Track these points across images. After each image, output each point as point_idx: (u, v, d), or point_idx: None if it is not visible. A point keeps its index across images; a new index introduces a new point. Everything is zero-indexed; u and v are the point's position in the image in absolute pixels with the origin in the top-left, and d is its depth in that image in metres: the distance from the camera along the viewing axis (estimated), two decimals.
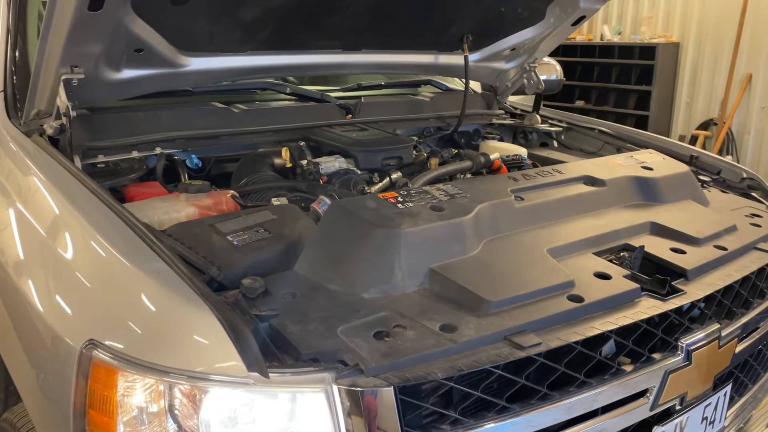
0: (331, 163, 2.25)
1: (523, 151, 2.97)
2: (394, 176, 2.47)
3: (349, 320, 1.41)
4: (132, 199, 2.02)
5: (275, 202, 1.96)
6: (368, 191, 2.14)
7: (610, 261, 1.82)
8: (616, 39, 9.20)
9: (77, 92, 2.12)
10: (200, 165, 2.35)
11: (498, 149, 3.04)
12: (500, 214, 1.83)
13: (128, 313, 1.34)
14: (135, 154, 2.27)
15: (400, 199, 1.75)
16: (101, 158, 2.21)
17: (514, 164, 2.74)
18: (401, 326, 1.41)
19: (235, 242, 1.66)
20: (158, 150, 2.31)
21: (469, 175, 2.49)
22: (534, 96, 3.48)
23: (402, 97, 3.21)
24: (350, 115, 2.88)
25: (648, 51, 8.61)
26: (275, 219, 1.78)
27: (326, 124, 2.68)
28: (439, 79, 3.48)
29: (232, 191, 2.03)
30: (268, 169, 2.32)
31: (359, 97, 3.02)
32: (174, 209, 1.86)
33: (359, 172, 2.32)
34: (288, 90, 2.78)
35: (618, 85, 8.84)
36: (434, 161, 2.40)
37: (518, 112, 3.58)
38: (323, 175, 2.21)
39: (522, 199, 1.93)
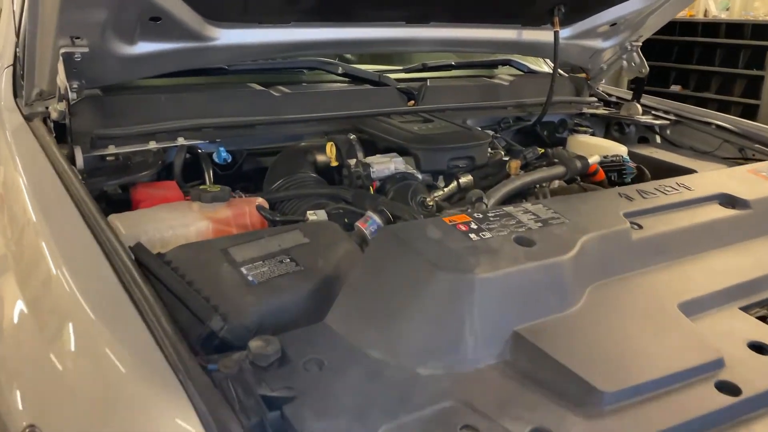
0: (385, 165, 1.79)
1: (622, 150, 2.43)
2: (463, 180, 2.00)
3: (396, 413, 0.97)
4: (137, 204, 1.63)
5: (311, 216, 1.53)
6: (430, 202, 1.67)
7: (765, 320, 1.31)
8: (723, 15, 8.12)
9: (83, 69, 1.75)
10: (230, 160, 1.94)
11: (591, 146, 2.51)
12: (612, 250, 1.34)
13: (77, 392, 0.95)
14: (153, 145, 1.88)
15: (473, 225, 1.28)
16: (111, 149, 1.83)
17: (613, 168, 2.21)
18: (472, 428, 0.95)
19: (249, 277, 1.24)
20: (181, 140, 1.92)
21: (556, 184, 1.99)
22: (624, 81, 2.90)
23: (475, 81, 2.70)
24: (413, 102, 2.41)
25: (762, 30, 7.41)
26: (307, 243, 1.35)
27: (383, 113, 2.22)
28: (520, 59, 2.95)
29: (259, 199, 1.61)
30: (309, 169, 1.89)
31: (424, 79, 2.54)
32: (181, 223, 1.45)
33: (420, 176, 1.85)
34: (340, 70, 2.33)
35: (723, 69, 7.73)
36: (515, 164, 1.91)
37: (613, 99, 3.01)
38: (374, 180, 1.76)
39: (640, 227, 1.43)
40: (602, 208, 1.45)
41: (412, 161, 1.92)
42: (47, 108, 1.85)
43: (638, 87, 2.88)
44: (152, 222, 1.44)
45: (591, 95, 3.00)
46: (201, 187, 1.53)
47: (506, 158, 2.16)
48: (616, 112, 2.91)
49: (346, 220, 1.56)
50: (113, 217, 1.46)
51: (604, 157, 2.29)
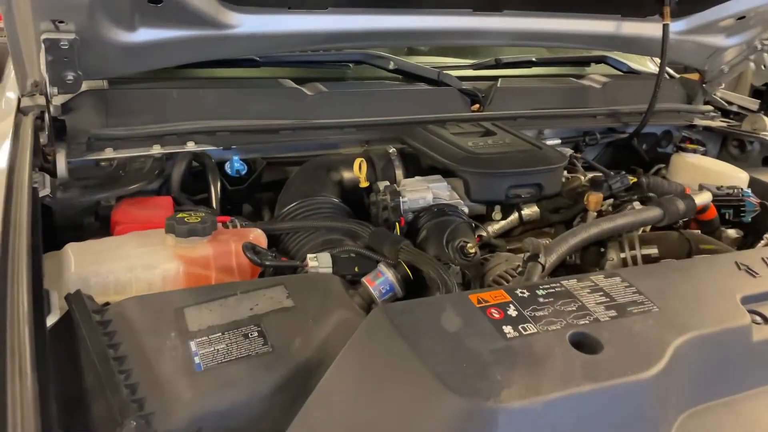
0: (421, 193, 1.41)
1: (743, 178, 1.91)
2: (526, 212, 1.59)
3: None
4: (114, 226, 1.35)
5: (311, 262, 1.18)
6: (471, 249, 1.28)
7: None
8: None
9: (76, 59, 1.48)
10: (244, 172, 1.63)
11: (701, 169, 2.00)
12: (721, 358, 0.91)
13: None
14: (157, 149, 1.60)
15: (512, 309, 0.88)
16: (108, 153, 1.56)
17: (728, 203, 1.71)
18: None
19: (197, 358, 0.91)
20: (190, 146, 1.62)
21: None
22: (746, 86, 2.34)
23: (559, 82, 2.24)
24: (477, 106, 2.00)
25: None
26: (289, 309, 1.01)
27: (437, 120, 1.83)
28: (619, 56, 2.45)
29: (254, 233, 1.29)
30: (332, 189, 1.54)
31: (495, 78, 2.12)
32: (146, 263, 1.15)
33: (465, 208, 1.45)
34: (391, 65, 1.96)
35: None
36: (595, 199, 1.47)
37: (734, 109, 2.46)
38: (404, 214, 1.38)
39: (766, 320, 0.97)
40: (710, 287, 1.01)
41: (461, 184, 1.53)
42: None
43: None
44: (110, 260, 1.15)
45: (706, 102, 2.45)
46: (179, 214, 1.22)
47: (585, 184, 1.72)
48: (738, 126, 2.35)
49: (356, 268, 1.20)
50: (69, 248, 1.19)
51: (719, 187, 1.79)
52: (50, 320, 1.00)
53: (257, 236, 1.28)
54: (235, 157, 1.63)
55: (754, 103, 2.41)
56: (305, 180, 1.54)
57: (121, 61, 1.58)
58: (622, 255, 1.41)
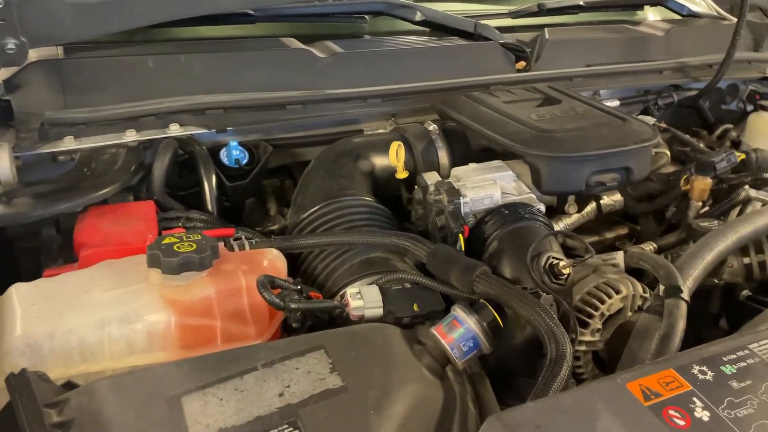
0: (486, 190, 1.06)
1: None
2: (607, 201, 1.26)
3: None
4: (78, 250, 1.00)
5: (352, 301, 0.84)
6: (565, 270, 0.95)
7: None
8: None
9: (13, 21, 1.12)
10: (245, 161, 1.27)
11: None
12: None
13: None
14: (131, 135, 1.24)
15: (698, 409, 0.56)
16: (68, 143, 1.20)
17: None
18: None
19: None
20: (174, 129, 1.27)
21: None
22: None
23: (614, 30, 1.87)
24: (523, 63, 1.64)
25: None
26: (336, 392, 0.68)
27: (479, 84, 1.47)
28: None
29: (271, 254, 0.94)
30: (362, 185, 1.19)
31: (540, 27, 1.74)
32: (123, 312, 0.81)
33: (542, 206, 1.11)
34: (418, 16, 1.58)
35: None
36: (701, 186, 1.13)
37: None
38: (466, 222, 1.03)
39: None
40: None
41: (526, 170, 1.18)
42: None
43: None
44: (72, 312, 0.81)
45: None
46: (166, 239, 0.87)
47: (677, 166, 1.38)
48: None
49: (415, 306, 0.86)
50: (14, 292, 0.84)
51: None
52: None
53: (273, 260, 0.94)
54: (233, 142, 1.27)
55: None
56: (328, 173, 1.19)
57: (77, 22, 1.21)
58: (746, 260, 1.09)
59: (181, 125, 1.28)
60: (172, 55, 1.36)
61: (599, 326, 1.00)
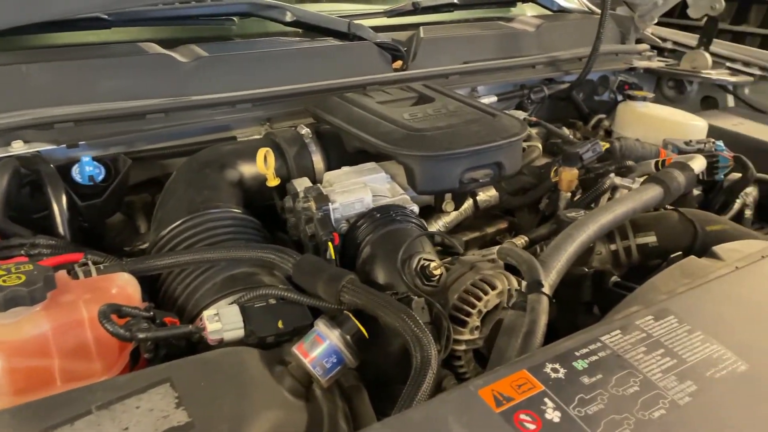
0: (356, 194, 1.02)
1: (701, 128, 1.69)
2: (483, 197, 1.26)
3: None
4: None
5: (209, 324, 0.78)
6: (436, 270, 0.93)
7: None
8: None
9: None
10: (101, 177, 1.17)
11: (656, 119, 1.75)
12: None
13: None
14: None
15: (549, 410, 0.54)
16: None
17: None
18: None
19: None
20: (18, 146, 1.15)
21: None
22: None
23: (487, 27, 1.89)
24: (399, 62, 1.63)
25: None
26: (178, 430, 0.62)
27: (354, 85, 1.44)
28: None
29: (121, 279, 0.86)
30: (230, 196, 1.12)
31: (416, 26, 1.74)
32: None
33: (416, 207, 1.09)
34: (288, 16, 1.52)
35: None
36: (569, 177, 1.15)
37: (668, 46, 2.24)
38: (335, 229, 0.99)
39: None
40: None
41: (401, 171, 1.16)
42: None
43: (708, 29, 2.10)
44: None
45: (638, 41, 2.21)
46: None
47: (547, 157, 1.41)
48: (676, 65, 2.13)
49: (280, 323, 0.81)
50: None
51: (687, 142, 1.55)
52: None
53: (124, 286, 0.86)
54: (85, 158, 1.17)
55: (690, 39, 2.20)
56: (190, 185, 1.11)
57: None
58: (613, 247, 1.11)
59: (25, 142, 1.17)
60: (13, 66, 1.23)
61: (478, 323, 0.98)
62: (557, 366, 0.60)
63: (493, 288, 0.99)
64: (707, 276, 0.80)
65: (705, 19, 2.09)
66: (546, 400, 0.56)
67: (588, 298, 1.06)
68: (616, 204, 1.00)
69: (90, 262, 0.91)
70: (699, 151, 1.49)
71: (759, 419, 0.57)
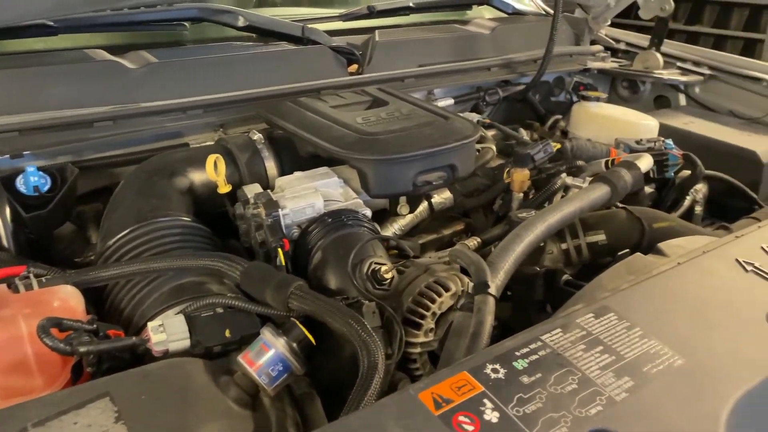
0: (306, 199, 1.02)
1: (653, 127, 1.72)
2: (438, 200, 1.26)
3: None
4: None
5: (154, 335, 0.76)
6: (387, 274, 0.93)
7: None
8: None
9: None
10: (46, 187, 1.14)
11: (609, 119, 1.78)
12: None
13: None
14: None
15: (488, 411, 0.55)
16: None
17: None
18: None
19: None
20: None
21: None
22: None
23: (443, 30, 1.90)
24: (355, 66, 1.63)
25: None
26: None
27: (308, 89, 1.44)
28: None
29: (64, 292, 0.84)
30: (179, 204, 1.10)
31: (371, 30, 1.74)
32: None
33: (368, 211, 1.09)
34: (240, 21, 1.51)
35: None
36: (520, 178, 1.17)
37: (622, 47, 2.28)
38: (285, 235, 0.98)
39: None
40: (727, 307, 0.74)
41: (355, 175, 1.15)
42: None
43: (659, 30, 2.14)
44: None
45: (592, 42, 2.25)
46: None
47: (502, 159, 1.42)
48: (629, 65, 2.18)
49: (227, 332, 0.80)
50: None
51: (638, 141, 1.57)
52: None
53: (66, 298, 0.84)
54: (30, 168, 1.14)
55: (641, 39, 2.25)
56: (138, 193, 1.09)
57: None
58: (564, 246, 1.13)
59: None
60: None
61: (432, 326, 0.98)
62: (497, 366, 0.60)
63: (447, 290, 1.00)
64: (650, 272, 0.82)
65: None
66: (485, 400, 0.56)
67: (540, 297, 1.07)
68: (564, 204, 1.01)
69: (32, 275, 0.88)
70: (649, 150, 1.51)
71: (694, 412, 0.58)
